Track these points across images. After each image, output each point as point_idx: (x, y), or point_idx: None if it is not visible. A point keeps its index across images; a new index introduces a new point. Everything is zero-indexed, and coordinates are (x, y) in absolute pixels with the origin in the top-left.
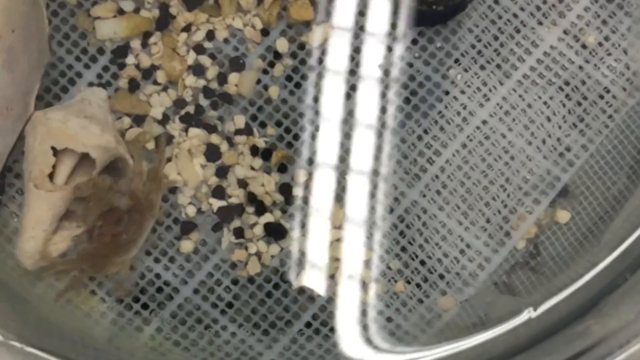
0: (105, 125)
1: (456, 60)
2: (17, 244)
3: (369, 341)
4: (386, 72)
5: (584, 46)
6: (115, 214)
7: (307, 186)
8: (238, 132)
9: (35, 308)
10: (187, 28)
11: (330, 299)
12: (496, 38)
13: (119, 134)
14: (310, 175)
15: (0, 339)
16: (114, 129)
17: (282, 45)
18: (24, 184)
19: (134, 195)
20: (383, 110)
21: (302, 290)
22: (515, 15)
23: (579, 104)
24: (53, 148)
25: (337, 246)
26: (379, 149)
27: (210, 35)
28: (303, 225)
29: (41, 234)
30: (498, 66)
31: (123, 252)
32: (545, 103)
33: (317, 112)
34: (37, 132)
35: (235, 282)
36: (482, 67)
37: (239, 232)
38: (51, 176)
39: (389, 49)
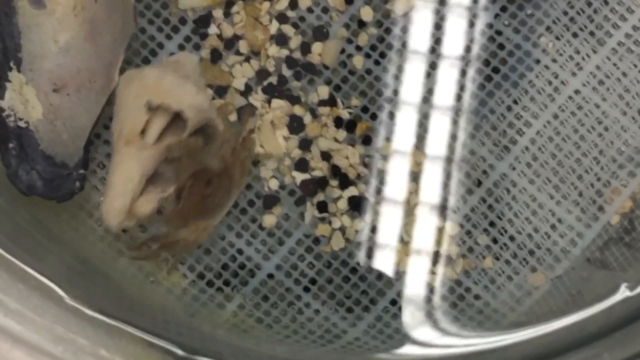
0: (200, 87)
1: (547, 28)
2: (103, 203)
3: (455, 319)
4: (474, 41)
5: None
6: (206, 174)
7: (391, 159)
8: (322, 103)
9: (116, 284)
10: None
11: (416, 276)
12: (589, 4)
13: None
14: (394, 148)
15: (83, 312)
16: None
17: (366, 13)
18: (113, 144)
19: (224, 160)
20: (471, 80)
21: (387, 266)
22: None
23: None
24: (146, 106)
25: (423, 221)
26: (466, 120)
27: (293, 4)
28: (388, 199)
29: (129, 192)
30: (591, 33)
31: (209, 216)
32: None
33: (402, 83)
34: (132, 88)
35: (318, 257)
36: (575, 35)
37: (322, 206)
38: (142, 136)
39: (477, 17)
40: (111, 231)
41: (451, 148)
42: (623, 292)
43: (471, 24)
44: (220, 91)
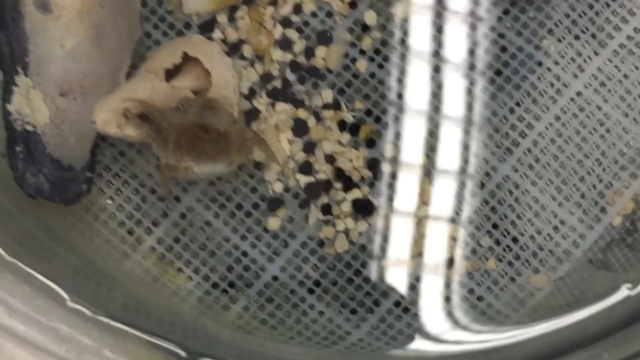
0: (235, 70)
1: (549, 30)
2: (100, 99)
3: (458, 320)
4: (477, 44)
5: None
6: (208, 126)
7: (395, 161)
8: (326, 106)
9: (122, 286)
10: (274, 1)
11: (419, 277)
12: (591, 6)
13: None
14: (398, 150)
15: (88, 314)
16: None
17: (370, 17)
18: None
19: (227, 128)
20: (473, 82)
21: (390, 268)
22: None
23: None
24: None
25: (425, 223)
26: (469, 122)
27: (297, 9)
28: (391, 201)
29: (127, 99)
30: (593, 35)
31: (193, 157)
32: None
33: (405, 86)
34: (176, 39)
35: (322, 259)
36: (577, 37)
37: (326, 209)
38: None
39: (480, 20)
40: (94, 126)
41: (453, 150)
42: (624, 292)
43: (473, 27)
44: None
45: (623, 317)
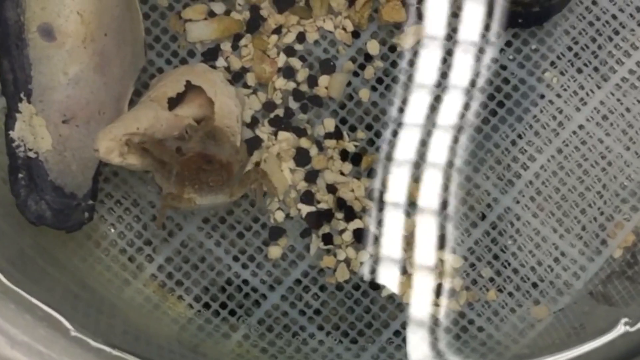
0: (238, 99)
1: (552, 63)
2: (103, 129)
3: (459, 350)
4: (479, 75)
5: None
6: (211, 156)
7: (395, 191)
8: (328, 135)
9: (123, 313)
10: (277, 30)
11: (420, 307)
12: (594, 40)
13: None
14: (400, 180)
15: (90, 344)
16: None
17: (373, 47)
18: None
19: (230, 159)
20: (476, 114)
21: (391, 297)
22: (614, 17)
23: None
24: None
25: (427, 253)
26: (471, 154)
27: (300, 38)
28: (392, 232)
29: (130, 128)
30: (595, 69)
31: (197, 190)
32: None
33: (407, 116)
34: (179, 68)
35: (323, 289)
36: (579, 70)
37: (327, 238)
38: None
39: (482, 51)
40: (97, 154)
41: (456, 182)
42: (625, 326)
43: (477, 59)
44: None
45: (624, 351)
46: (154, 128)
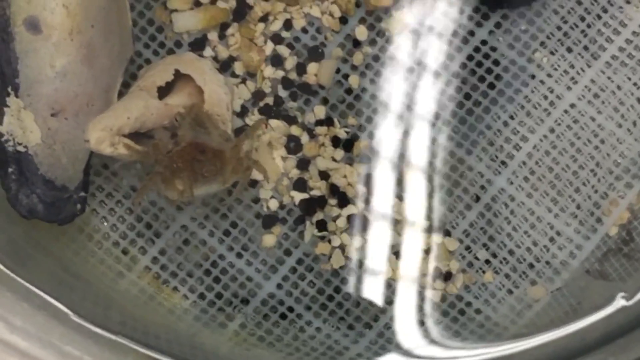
0: (228, 89)
1: (542, 43)
2: (93, 119)
3: (457, 333)
4: (470, 57)
5: None
6: (203, 145)
7: (389, 176)
8: (318, 122)
9: (118, 305)
10: (264, 18)
11: (416, 292)
12: (583, 19)
13: None
14: (393, 165)
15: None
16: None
17: (361, 33)
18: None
19: (222, 147)
20: (467, 96)
21: (387, 283)
22: None
23: None
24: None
25: (422, 237)
26: (464, 136)
27: (287, 25)
28: (386, 216)
29: (121, 118)
30: (585, 48)
31: (192, 180)
32: (635, 84)
33: (398, 100)
34: (168, 57)
35: (319, 276)
36: (569, 49)
37: (322, 225)
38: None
39: (472, 34)
40: (88, 145)
41: (449, 164)
42: (620, 302)
43: (465, 41)
44: None
45: (621, 325)
46: (145, 117)
